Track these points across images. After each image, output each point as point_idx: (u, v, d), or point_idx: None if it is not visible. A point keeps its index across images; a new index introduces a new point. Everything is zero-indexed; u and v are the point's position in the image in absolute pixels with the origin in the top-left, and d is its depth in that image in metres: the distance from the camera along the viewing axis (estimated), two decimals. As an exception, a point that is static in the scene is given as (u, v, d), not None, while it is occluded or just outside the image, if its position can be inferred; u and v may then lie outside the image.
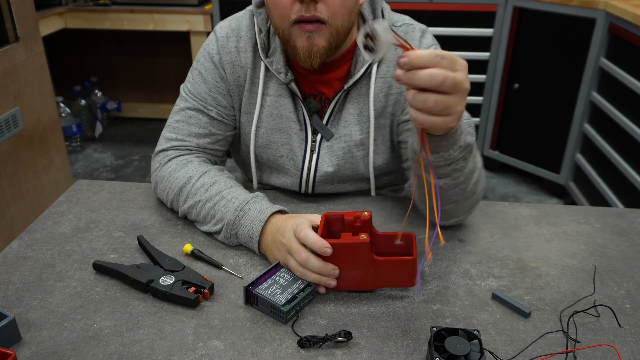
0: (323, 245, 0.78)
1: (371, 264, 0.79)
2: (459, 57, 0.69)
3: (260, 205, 0.94)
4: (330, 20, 0.92)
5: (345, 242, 0.79)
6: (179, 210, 1.01)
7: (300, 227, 0.82)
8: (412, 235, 0.83)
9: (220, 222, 0.94)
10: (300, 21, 0.92)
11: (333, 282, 0.81)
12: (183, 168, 1.02)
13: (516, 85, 2.75)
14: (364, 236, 0.78)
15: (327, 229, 0.84)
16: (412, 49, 0.67)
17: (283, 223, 0.88)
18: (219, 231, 0.95)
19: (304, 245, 0.81)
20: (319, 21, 0.92)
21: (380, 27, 0.67)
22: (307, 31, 0.92)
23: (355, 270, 0.81)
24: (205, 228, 0.97)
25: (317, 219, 0.86)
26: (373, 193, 1.12)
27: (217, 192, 0.97)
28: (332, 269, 0.80)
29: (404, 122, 1.04)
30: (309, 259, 0.80)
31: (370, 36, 0.68)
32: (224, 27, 1.08)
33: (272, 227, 0.90)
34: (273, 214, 0.92)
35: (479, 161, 0.92)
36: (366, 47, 0.69)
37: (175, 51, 3.51)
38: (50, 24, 2.84)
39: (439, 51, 0.67)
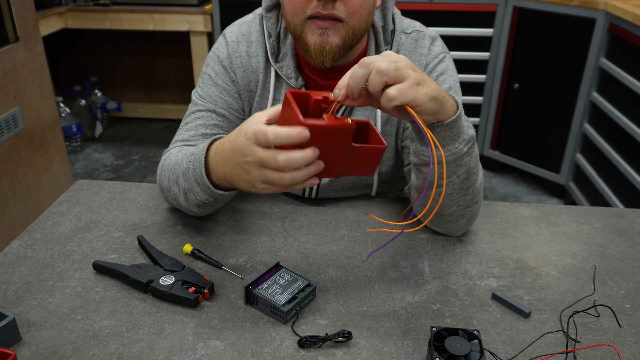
0: (299, 131, 0.66)
1: (346, 152, 0.72)
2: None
3: (204, 144, 0.85)
4: (348, 19, 0.90)
5: (330, 126, 0.68)
6: (167, 191, 0.97)
7: (258, 133, 0.69)
8: (369, 122, 0.76)
9: (184, 175, 0.88)
10: (315, 17, 0.90)
11: (322, 164, 0.71)
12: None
13: (516, 85, 2.75)
14: (349, 120, 0.70)
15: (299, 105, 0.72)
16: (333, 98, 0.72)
17: (231, 142, 0.77)
18: (187, 191, 0.89)
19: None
20: (335, 19, 0.90)
21: None
22: (320, 28, 0.90)
23: (328, 158, 0.72)
24: (182, 197, 0.91)
25: (268, 113, 0.74)
26: (373, 193, 1.12)
27: (185, 152, 0.93)
28: (313, 150, 0.69)
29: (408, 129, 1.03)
30: (289, 157, 0.68)
31: None
32: (234, 31, 1.07)
33: (214, 153, 0.82)
34: (212, 142, 0.84)
35: (480, 169, 0.92)
36: None
37: (175, 51, 3.51)
38: (50, 24, 2.84)
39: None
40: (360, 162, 0.75)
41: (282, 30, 1.04)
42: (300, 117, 0.67)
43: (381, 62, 0.70)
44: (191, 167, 0.87)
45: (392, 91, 0.70)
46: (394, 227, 0.87)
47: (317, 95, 0.72)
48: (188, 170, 0.88)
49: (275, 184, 0.72)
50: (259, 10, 1.08)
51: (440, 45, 1.06)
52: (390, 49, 1.02)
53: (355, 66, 0.70)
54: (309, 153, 0.68)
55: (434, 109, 0.75)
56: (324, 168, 0.72)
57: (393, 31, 1.03)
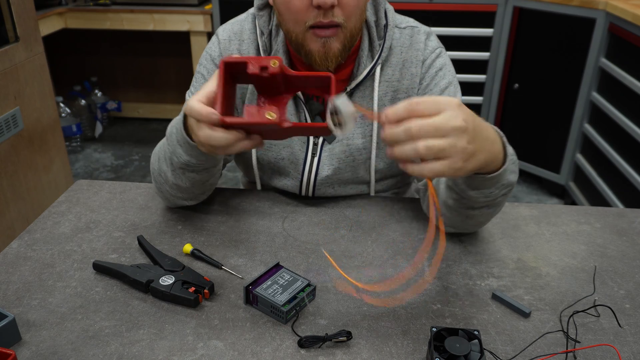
0: (208, 113, 0.71)
1: (281, 131, 0.74)
2: (445, 97, 0.66)
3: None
4: (346, 22, 0.91)
5: (248, 122, 0.71)
6: (159, 175, 0.97)
7: (188, 103, 0.74)
8: (329, 76, 0.73)
9: (168, 139, 0.92)
10: (316, 27, 0.91)
11: (257, 139, 0.76)
12: None
13: (516, 85, 2.75)
14: (271, 115, 0.70)
15: (230, 78, 0.74)
16: (373, 116, 0.67)
17: None
18: (172, 157, 0.91)
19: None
20: (335, 25, 0.91)
21: (340, 102, 0.68)
22: (323, 37, 0.91)
23: (265, 135, 0.78)
24: (170, 172, 0.93)
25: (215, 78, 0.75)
26: (372, 193, 1.12)
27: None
28: (236, 134, 0.73)
29: None
30: (209, 135, 0.73)
31: (334, 112, 0.68)
32: (226, 30, 1.08)
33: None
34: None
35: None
36: (334, 124, 0.69)
37: (175, 51, 3.51)
38: (50, 24, 2.84)
39: (416, 99, 0.65)
40: (309, 130, 0.79)
41: (274, 27, 1.04)
42: (218, 112, 0.71)
43: (429, 138, 0.63)
44: (174, 130, 0.90)
45: (427, 172, 0.65)
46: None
47: (255, 68, 0.71)
48: (172, 134, 0.90)
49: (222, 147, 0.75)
50: (252, 10, 1.08)
51: (435, 40, 1.07)
52: (384, 44, 1.02)
53: (399, 129, 0.64)
54: (231, 136, 0.73)
55: (469, 175, 0.75)
56: (269, 133, 0.76)
57: (386, 26, 1.03)
